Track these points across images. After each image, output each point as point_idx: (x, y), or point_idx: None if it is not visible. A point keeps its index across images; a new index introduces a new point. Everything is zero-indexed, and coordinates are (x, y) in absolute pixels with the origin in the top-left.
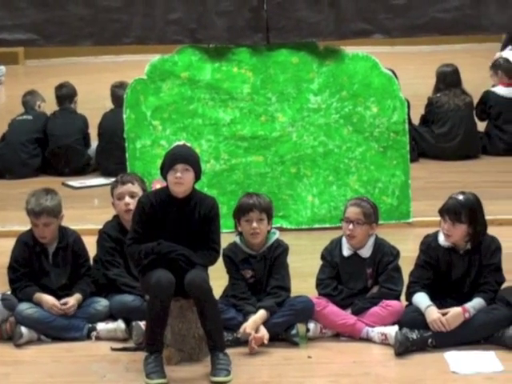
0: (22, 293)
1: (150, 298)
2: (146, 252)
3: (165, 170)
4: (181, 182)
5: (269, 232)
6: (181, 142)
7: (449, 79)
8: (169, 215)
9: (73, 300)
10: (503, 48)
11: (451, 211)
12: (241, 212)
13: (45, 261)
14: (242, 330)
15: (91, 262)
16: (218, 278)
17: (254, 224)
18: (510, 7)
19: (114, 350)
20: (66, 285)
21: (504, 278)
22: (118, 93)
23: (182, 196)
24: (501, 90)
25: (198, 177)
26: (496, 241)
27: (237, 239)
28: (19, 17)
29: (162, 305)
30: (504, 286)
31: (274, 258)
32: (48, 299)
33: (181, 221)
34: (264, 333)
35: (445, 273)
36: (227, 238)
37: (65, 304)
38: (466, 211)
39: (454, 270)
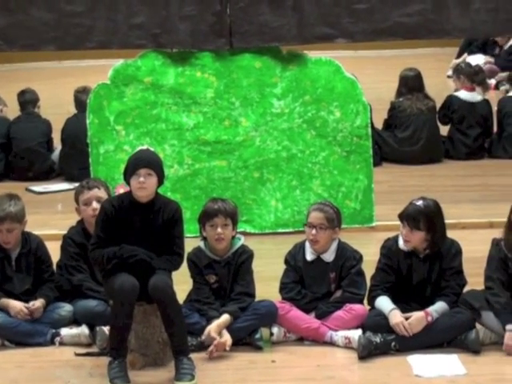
0: None
1: (113, 303)
2: (109, 257)
3: (128, 174)
4: (144, 186)
5: (233, 238)
6: (144, 147)
7: (411, 83)
8: (132, 220)
9: (39, 302)
10: (460, 54)
11: (410, 218)
12: (206, 217)
13: (7, 266)
14: (206, 332)
15: (54, 267)
16: (182, 283)
17: (219, 229)
18: (471, 12)
19: (77, 355)
20: (29, 290)
21: (466, 280)
22: (80, 98)
23: (146, 200)
24: (464, 95)
25: (160, 181)
26: (456, 244)
27: (201, 244)
28: None
29: (126, 309)
30: (466, 288)
31: (239, 265)
32: (16, 304)
33: (144, 225)
34: (227, 338)
35: (406, 276)
36: (191, 242)
37: (38, 308)
38: (425, 218)
39: (415, 273)
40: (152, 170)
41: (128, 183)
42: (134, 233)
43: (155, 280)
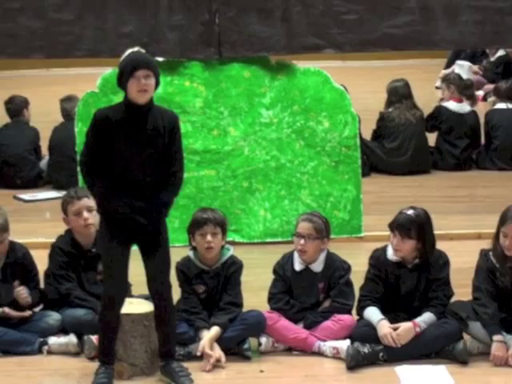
0: None
1: (101, 309)
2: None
3: (124, 78)
4: (145, 88)
5: (223, 247)
6: (135, 48)
7: (401, 91)
8: (128, 127)
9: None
10: (448, 64)
11: (401, 226)
12: (195, 226)
13: None
14: (200, 348)
15: (41, 275)
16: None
17: (209, 237)
18: (459, 23)
19: None
20: (15, 300)
21: (453, 291)
22: (66, 107)
23: (144, 103)
24: (452, 106)
25: (158, 82)
26: (444, 255)
27: (190, 254)
28: None
29: (113, 315)
30: (453, 299)
31: (229, 276)
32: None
33: (141, 132)
34: (221, 354)
35: (394, 287)
36: (179, 251)
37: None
38: (416, 227)
39: (403, 284)
40: (151, 70)
41: (123, 88)
42: (130, 142)
43: (154, 273)
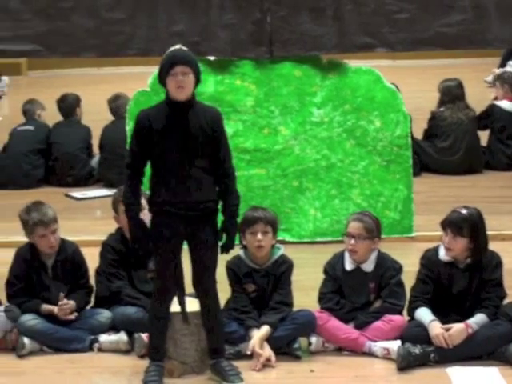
0: (25, 307)
1: (151, 306)
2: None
3: (163, 75)
4: (182, 85)
5: (273, 247)
6: (176, 46)
7: (454, 92)
8: (170, 125)
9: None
10: (503, 63)
11: (453, 224)
12: (246, 224)
13: (44, 275)
14: (250, 348)
15: (93, 273)
16: (219, 291)
17: (259, 236)
18: None
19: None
20: (66, 297)
21: (505, 293)
22: (113, 106)
23: (184, 99)
24: (506, 105)
25: (198, 80)
26: (497, 256)
27: (241, 252)
28: (23, 28)
29: (163, 312)
30: (506, 301)
31: (279, 275)
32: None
33: (184, 130)
34: (271, 353)
35: (446, 287)
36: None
37: (65, 304)
38: (468, 225)
39: (455, 284)
40: (189, 67)
41: (164, 86)
42: (172, 140)
43: (201, 269)
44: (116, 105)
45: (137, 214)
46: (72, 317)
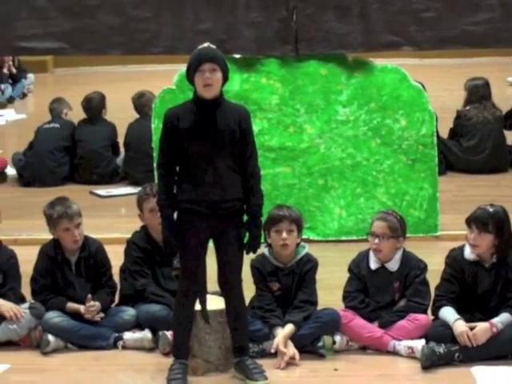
0: (49, 304)
1: (176, 304)
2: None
3: (190, 72)
4: (209, 82)
5: (298, 245)
6: (205, 44)
7: (482, 92)
8: (198, 123)
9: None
10: None
11: (479, 220)
12: (271, 223)
13: (68, 271)
14: (274, 346)
15: (118, 271)
16: (244, 289)
17: (284, 235)
18: None
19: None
20: (91, 295)
21: None
22: (138, 103)
23: (212, 98)
24: None
25: (225, 77)
26: None
27: (265, 251)
28: (49, 26)
29: (188, 310)
30: None
31: (304, 273)
32: (79, 307)
33: (212, 128)
34: (295, 351)
35: (471, 287)
36: None
37: (92, 306)
38: (494, 222)
39: (480, 283)
40: (216, 64)
41: (192, 83)
42: (200, 138)
43: (226, 267)
44: (141, 102)
45: (170, 214)
46: (98, 318)
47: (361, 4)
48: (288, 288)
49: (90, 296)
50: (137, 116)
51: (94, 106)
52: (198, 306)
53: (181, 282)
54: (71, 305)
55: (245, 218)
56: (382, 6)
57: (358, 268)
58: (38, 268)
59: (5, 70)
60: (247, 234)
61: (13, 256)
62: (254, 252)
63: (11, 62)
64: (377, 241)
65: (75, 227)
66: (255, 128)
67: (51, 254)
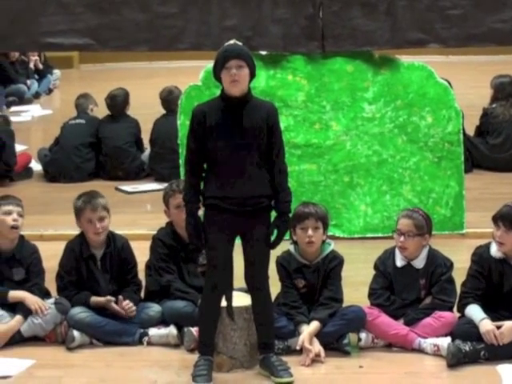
0: (74, 300)
1: (202, 300)
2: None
3: (217, 69)
4: (236, 79)
5: (324, 242)
6: (231, 41)
7: (507, 90)
8: (225, 120)
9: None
10: None
11: (506, 218)
12: (296, 220)
13: (93, 267)
14: (300, 342)
15: (143, 267)
16: (269, 286)
17: (310, 232)
18: None
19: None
20: (114, 291)
21: None
22: (165, 99)
23: (239, 95)
24: None
25: (252, 74)
26: None
27: (291, 248)
28: (75, 22)
29: (214, 306)
30: None
31: (329, 270)
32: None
33: (239, 125)
34: (320, 348)
35: (497, 285)
36: (280, 245)
37: (127, 304)
38: None
39: (506, 281)
40: (243, 61)
41: (219, 80)
42: (228, 135)
43: (253, 264)
44: (168, 99)
45: (195, 211)
46: (133, 314)
47: (387, 1)
48: (313, 285)
49: (121, 297)
50: (162, 112)
51: (118, 103)
52: (223, 303)
53: (207, 278)
54: (95, 298)
55: (273, 214)
56: (408, 3)
57: (383, 265)
58: (64, 263)
59: (31, 66)
60: (274, 231)
61: (35, 251)
62: (274, 248)
63: (37, 58)
64: (402, 238)
65: (98, 220)
66: (281, 125)
67: (77, 249)
